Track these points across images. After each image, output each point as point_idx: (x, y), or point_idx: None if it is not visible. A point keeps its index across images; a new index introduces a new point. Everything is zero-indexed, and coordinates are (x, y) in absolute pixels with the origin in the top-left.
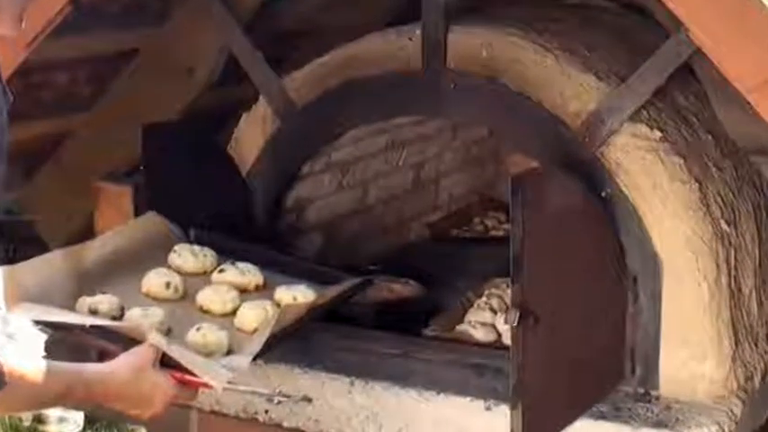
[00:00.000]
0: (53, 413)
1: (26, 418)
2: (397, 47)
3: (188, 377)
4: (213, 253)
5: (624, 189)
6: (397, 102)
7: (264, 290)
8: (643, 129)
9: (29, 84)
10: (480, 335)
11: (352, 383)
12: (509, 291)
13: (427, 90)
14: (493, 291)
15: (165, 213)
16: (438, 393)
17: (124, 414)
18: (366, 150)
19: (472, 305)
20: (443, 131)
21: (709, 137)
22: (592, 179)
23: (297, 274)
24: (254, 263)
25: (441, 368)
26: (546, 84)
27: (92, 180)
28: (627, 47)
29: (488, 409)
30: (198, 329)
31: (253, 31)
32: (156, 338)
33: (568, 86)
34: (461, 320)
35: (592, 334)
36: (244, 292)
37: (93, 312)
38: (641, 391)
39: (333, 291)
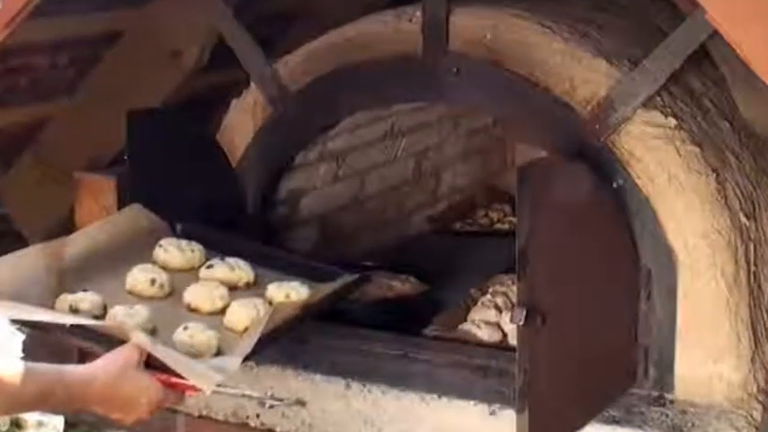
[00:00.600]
0: (31, 417)
1: (3, 422)
2: (396, 29)
3: (174, 379)
4: (201, 248)
5: (637, 180)
6: (395, 88)
7: (255, 287)
8: (657, 116)
9: (6, 68)
10: (484, 334)
11: (348, 386)
12: (515, 288)
13: (428, 75)
14: (498, 288)
15: (150, 206)
16: (439, 397)
17: (107, 418)
18: (363, 139)
19: (476, 303)
20: (445, 119)
21: (727, 124)
22: (603, 169)
23: (290, 270)
24: (245, 258)
25: (442, 370)
26: (554, 68)
27: (73, 171)
28: (640, 29)
29: (493, 413)
30: (185, 329)
31: (243, 12)
32: (140, 338)
33: (578, 71)
34: (464, 319)
35: (603, 333)
36: (234, 289)
37: (74, 311)
38: (655, 394)
39: (328, 288)
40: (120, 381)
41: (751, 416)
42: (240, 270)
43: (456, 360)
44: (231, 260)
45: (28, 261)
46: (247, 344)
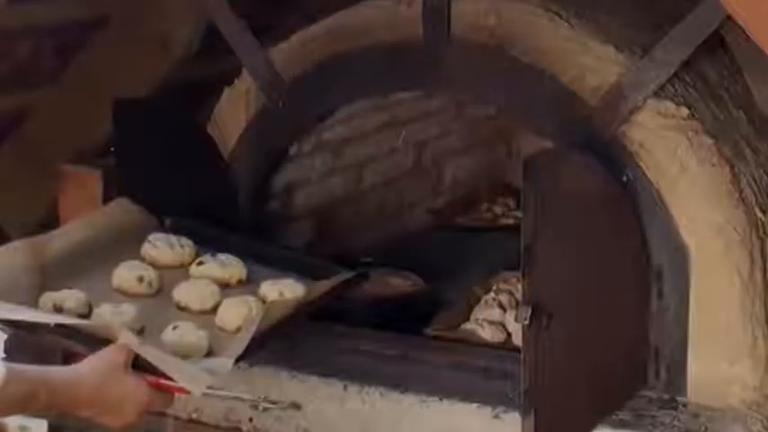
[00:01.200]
0: (13, 421)
1: None
2: (395, 14)
3: (164, 381)
4: (191, 243)
5: (647, 172)
6: (394, 76)
7: (248, 284)
8: (669, 106)
9: None
10: (488, 334)
11: (345, 388)
12: (520, 285)
13: (428, 63)
14: (502, 285)
15: (138, 199)
16: (441, 399)
17: (93, 422)
18: (361, 129)
19: (479, 301)
20: (447, 109)
21: (743, 114)
22: (612, 161)
23: (284, 266)
24: (237, 254)
25: (444, 371)
26: (560, 55)
27: (57, 163)
28: (651, 14)
29: (497, 416)
30: (174, 328)
31: None
32: (127, 338)
33: (586, 58)
34: (467, 318)
35: (611, 333)
36: (225, 286)
37: (59, 309)
38: (666, 396)
39: (324, 285)
40: (107, 383)
41: (767, 419)
42: (232, 267)
43: (458, 361)
44: (223, 256)
45: (9, 257)
46: (239, 344)
